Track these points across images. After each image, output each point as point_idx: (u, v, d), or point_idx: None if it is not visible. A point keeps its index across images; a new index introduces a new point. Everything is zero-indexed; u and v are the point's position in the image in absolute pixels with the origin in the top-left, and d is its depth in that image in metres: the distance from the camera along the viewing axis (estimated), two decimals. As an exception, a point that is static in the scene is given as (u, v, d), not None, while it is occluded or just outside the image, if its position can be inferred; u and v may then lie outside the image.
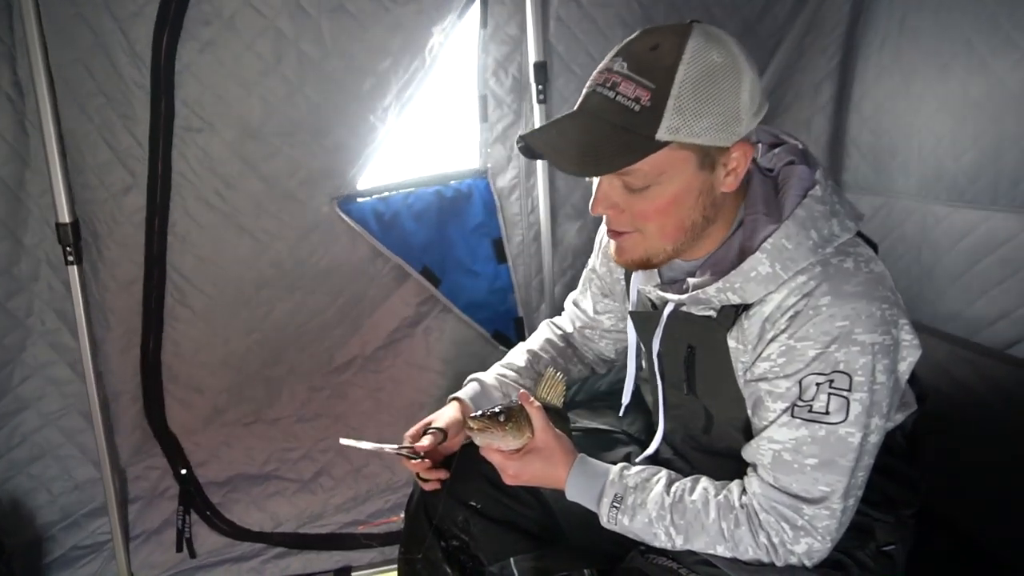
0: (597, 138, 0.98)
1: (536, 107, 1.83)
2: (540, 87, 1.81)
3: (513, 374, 1.39)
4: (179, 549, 1.94)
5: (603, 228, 1.38)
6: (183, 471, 1.92)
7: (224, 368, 1.87)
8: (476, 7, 1.77)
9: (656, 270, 1.18)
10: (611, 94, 0.98)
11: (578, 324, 1.46)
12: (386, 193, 1.87)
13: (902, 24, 1.76)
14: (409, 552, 1.34)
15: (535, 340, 1.47)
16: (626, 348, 1.40)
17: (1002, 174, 1.53)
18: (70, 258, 1.66)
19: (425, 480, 1.28)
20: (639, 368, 1.34)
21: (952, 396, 1.47)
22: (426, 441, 1.25)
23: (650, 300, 1.22)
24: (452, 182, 1.93)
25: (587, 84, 1.03)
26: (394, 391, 2.03)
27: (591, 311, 1.43)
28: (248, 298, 1.80)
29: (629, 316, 1.27)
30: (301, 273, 1.82)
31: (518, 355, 1.44)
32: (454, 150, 1.97)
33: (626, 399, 1.37)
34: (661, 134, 0.95)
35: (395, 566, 1.42)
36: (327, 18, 1.60)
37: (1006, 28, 1.49)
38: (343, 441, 1.35)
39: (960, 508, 1.45)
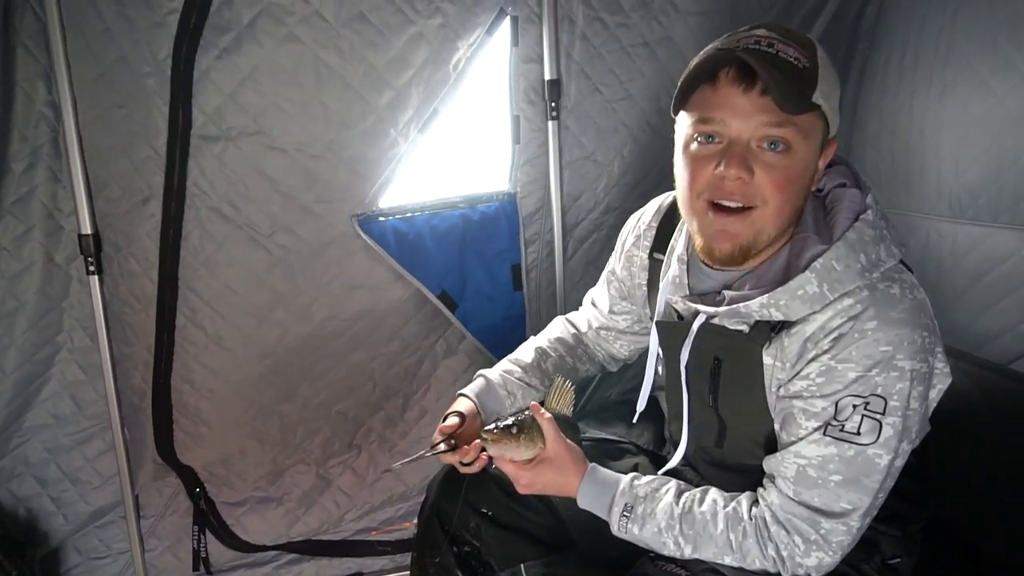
0: (784, 77, 0.97)
1: (549, 124, 1.84)
2: (553, 104, 1.82)
3: (519, 371, 1.39)
4: (195, 568, 1.96)
5: (625, 230, 1.39)
6: (197, 489, 1.93)
7: (234, 399, 1.84)
8: (507, 24, 1.74)
9: (686, 282, 1.18)
10: (771, 51, 0.99)
11: (595, 324, 1.46)
12: (409, 214, 1.82)
13: (905, 46, 1.79)
14: (422, 557, 1.36)
15: (545, 336, 1.47)
16: (639, 350, 1.41)
17: (1004, 192, 1.56)
18: (91, 268, 1.69)
19: (467, 464, 1.25)
20: (656, 377, 1.34)
21: (955, 410, 1.46)
22: (452, 420, 1.27)
23: (676, 311, 1.21)
24: (480, 205, 1.88)
25: (723, 45, 1.02)
26: (409, 416, 2.02)
27: (606, 310, 1.44)
28: (261, 318, 1.77)
29: (655, 326, 1.26)
30: (316, 293, 1.78)
31: (526, 351, 1.44)
32: (485, 172, 1.92)
33: (641, 406, 1.37)
34: (816, 96, 0.99)
35: (407, 573, 1.44)
36: (346, 26, 1.59)
37: (1006, 50, 1.52)
38: (385, 471, 1.40)
39: (963, 521, 1.45)
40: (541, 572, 1.34)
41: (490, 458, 1.21)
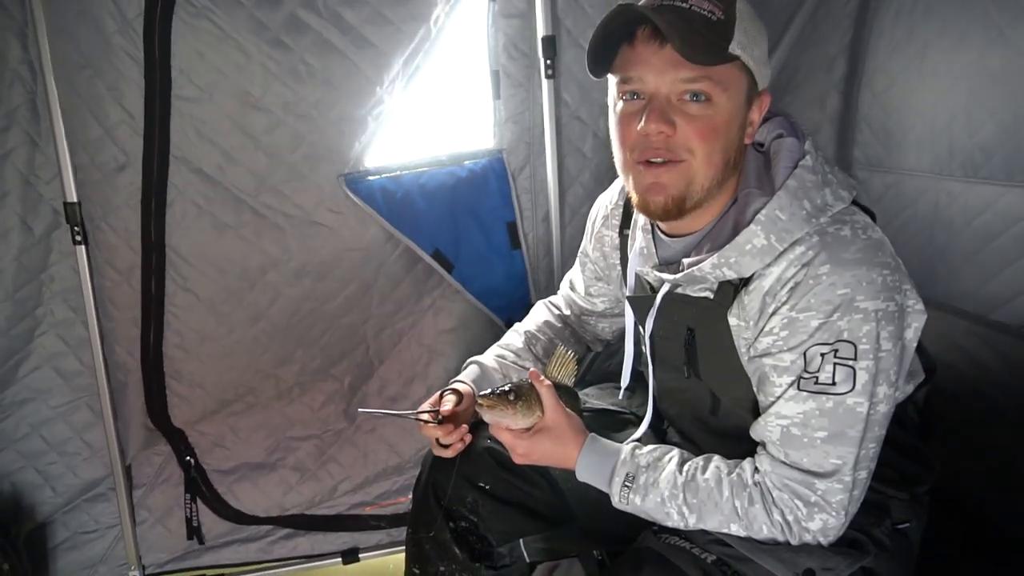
0: (692, 30, 0.98)
1: (544, 82, 1.79)
2: (548, 61, 1.77)
3: (512, 355, 1.39)
4: (189, 537, 1.94)
5: (594, 211, 1.39)
6: (188, 458, 1.91)
7: (229, 361, 1.81)
8: (483, -24, 1.70)
9: (654, 251, 1.17)
10: (685, 5, 0.99)
11: (575, 308, 1.46)
12: (397, 172, 1.79)
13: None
14: (417, 533, 1.34)
15: (531, 321, 1.47)
16: (622, 330, 1.39)
17: (1020, 149, 1.50)
18: (78, 238, 1.65)
19: (444, 446, 1.25)
20: (640, 352, 1.32)
21: (969, 374, 1.45)
22: (448, 404, 1.25)
23: (648, 283, 1.21)
24: (466, 162, 1.85)
25: (634, 4, 1.01)
26: (402, 381, 1.99)
27: (583, 292, 1.43)
28: (253, 281, 1.74)
29: (626, 301, 1.26)
30: (307, 256, 1.76)
31: (514, 337, 1.44)
32: (468, 129, 1.90)
33: (625, 382, 1.35)
34: (733, 47, 0.99)
35: (402, 547, 1.41)
36: None
37: (1026, -2, 1.46)
38: (361, 411, 1.53)
39: (976, 486, 1.43)
40: (540, 547, 1.32)
41: (487, 427, 1.17)
